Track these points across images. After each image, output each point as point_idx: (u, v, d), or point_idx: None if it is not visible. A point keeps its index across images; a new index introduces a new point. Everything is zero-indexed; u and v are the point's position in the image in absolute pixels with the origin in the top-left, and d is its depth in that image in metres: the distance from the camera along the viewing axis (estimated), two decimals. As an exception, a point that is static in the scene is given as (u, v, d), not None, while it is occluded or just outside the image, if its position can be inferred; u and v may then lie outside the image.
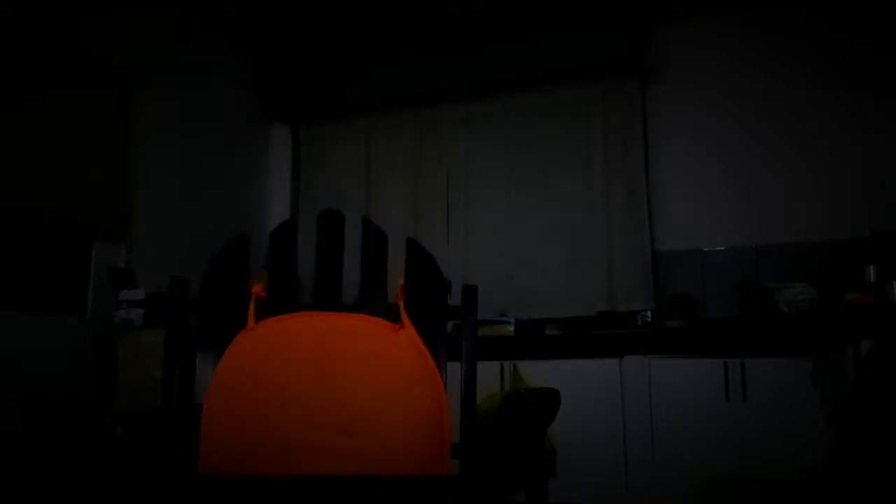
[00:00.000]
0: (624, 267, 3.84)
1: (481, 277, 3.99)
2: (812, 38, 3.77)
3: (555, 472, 2.70)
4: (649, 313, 3.69)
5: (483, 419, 1.93)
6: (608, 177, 3.96)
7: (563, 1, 3.94)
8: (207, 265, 1.41)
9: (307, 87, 4.56)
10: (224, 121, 4.19)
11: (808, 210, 3.67)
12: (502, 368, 3.42)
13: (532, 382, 3.24)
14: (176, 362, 1.41)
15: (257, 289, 1.38)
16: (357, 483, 1.17)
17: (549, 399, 2.38)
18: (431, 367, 1.27)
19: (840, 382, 2.94)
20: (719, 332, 3.26)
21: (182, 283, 1.41)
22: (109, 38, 3.30)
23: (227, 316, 1.34)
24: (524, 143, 4.15)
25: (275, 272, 1.44)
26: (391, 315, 1.35)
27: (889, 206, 3.49)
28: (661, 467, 3.15)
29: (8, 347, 2.72)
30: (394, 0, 3.97)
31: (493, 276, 4.02)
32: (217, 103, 4.11)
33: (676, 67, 3.99)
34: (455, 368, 1.43)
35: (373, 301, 1.44)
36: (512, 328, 3.69)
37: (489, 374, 3.33)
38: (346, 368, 1.24)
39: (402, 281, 1.43)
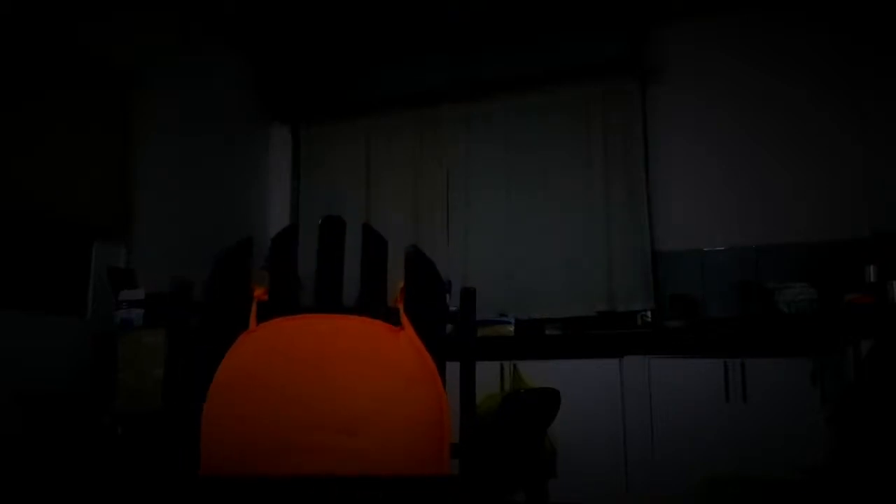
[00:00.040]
0: (624, 267, 3.85)
1: (481, 277, 3.99)
2: (812, 38, 3.78)
3: (555, 472, 2.70)
4: (649, 313, 3.69)
5: (483, 419, 1.93)
6: (608, 177, 3.97)
7: (563, 1, 3.94)
8: (210, 268, 1.42)
9: (307, 87, 4.56)
10: (224, 121, 4.19)
11: (808, 210, 3.67)
12: (502, 368, 3.42)
13: (532, 382, 3.24)
14: (177, 362, 1.42)
15: (259, 292, 1.39)
16: (357, 483, 1.17)
17: (549, 399, 2.38)
18: (431, 368, 1.28)
19: (840, 382, 2.94)
20: (719, 332, 3.26)
21: (185, 284, 1.42)
22: (109, 38, 3.31)
23: (228, 318, 1.35)
24: (524, 143, 4.16)
25: (276, 275, 1.45)
26: (391, 318, 1.35)
27: (889, 206, 3.49)
28: (661, 467, 3.16)
29: (8, 347, 2.72)
30: (394, 0, 3.97)
31: (493, 276, 4.02)
32: (217, 103, 4.12)
33: (676, 67, 3.99)
34: (455, 368, 1.43)
35: (373, 305, 1.45)
36: (512, 328, 3.69)
37: (489, 374, 3.33)
38: (347, 368, 1.25)
39: (401, 284, 1.43)
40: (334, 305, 1.45)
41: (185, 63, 3.83)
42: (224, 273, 1.43)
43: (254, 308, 1.35)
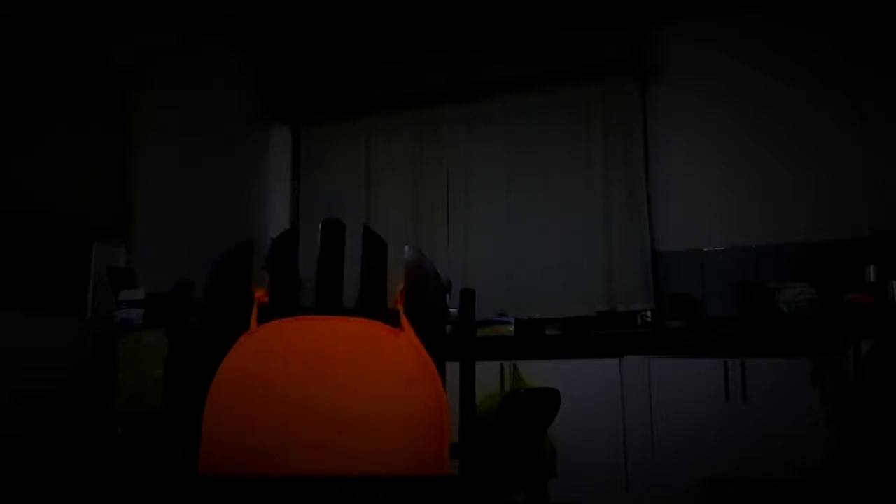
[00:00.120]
0: (624, 267, 3.85)
1: (481, 277, 4.00)
2: (812, 38, 3.78)
3: (555, 472, 2.70)
4: (649, 313, 3.69)
5: (483, 419, 1.93)
6: (608, 177, 3.97)
7: (563, 1, 3.94)
8: (211, 270, 1.42)
9: (307, 87, 4.56)
10: (224, 121, 4.19)
11: (808, 210, 3.67)
12: (502, 368, 3.42)
13: (532, 382, 3.25)
14: (177, 363, 1.42)
15: (260, 293, 1.39)
16: (357, 483, 1.17)
17: (549, 399, 2.38)
18: (431, 369, 1.28)
19: (840, 382, 2.94)
20: (719, 332, 3.26)
21: (187, 284, 1.42)
22: (109, 38, 3.31)
23: (229, 319, 1.35)
24: (524, 143, 4.16)
25: (276, 277, 1.45)
26: (391, 319, 1.36)
27: (889, 206, 3.49)
28: (661, 467, 3.16)
29: (8, 347, 2.72)
30: (394, 0, 3.97)
31: (493, 276, 4.02)
32: (217, 103, 4.12)
33: (676, 67, 3.99)
34: (455, 368, 1.43)
35: (373, 306, 1.45)
36: (512, 328, 3.69)
37: (489, 374, 3.33)
38: (347, 369, 1.25)
39: (401, 286, 1.43)
40: (334, 307, 1.46)
41: (185, 63, 3.83)
42: (225, 274, 1.43)
43: (254, 309, 1.35)
